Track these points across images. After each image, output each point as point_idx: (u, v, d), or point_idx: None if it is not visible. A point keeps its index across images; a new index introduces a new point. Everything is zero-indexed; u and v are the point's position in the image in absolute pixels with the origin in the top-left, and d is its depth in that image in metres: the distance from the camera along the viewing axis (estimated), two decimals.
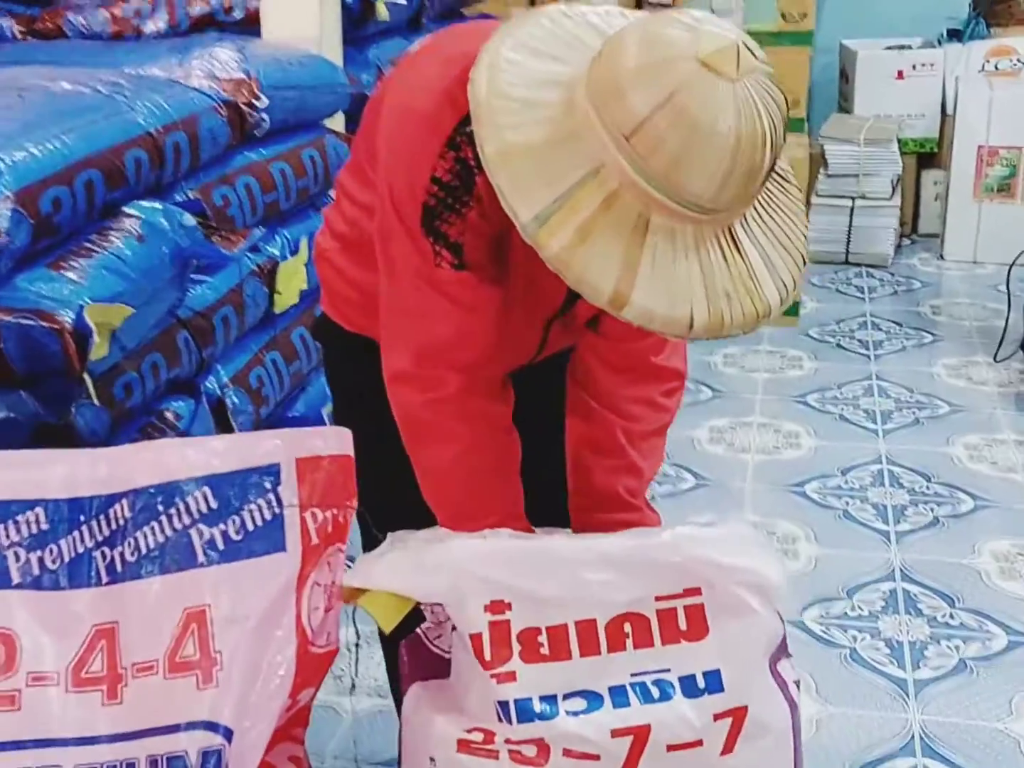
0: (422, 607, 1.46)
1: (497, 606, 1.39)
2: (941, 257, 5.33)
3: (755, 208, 1.34)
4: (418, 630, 1.51)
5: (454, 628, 1.44)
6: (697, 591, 1.43)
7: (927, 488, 3.29)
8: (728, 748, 1.39)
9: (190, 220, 2.35)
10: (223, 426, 2.51)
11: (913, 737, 2.30)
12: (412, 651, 1.50)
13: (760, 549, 1.50)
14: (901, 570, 2.88)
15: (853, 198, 5.19)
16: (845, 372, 4.07)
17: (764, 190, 1.33)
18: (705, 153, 1.22)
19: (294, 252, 2.81)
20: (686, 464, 3.39)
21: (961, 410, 3.78)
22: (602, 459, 1.66)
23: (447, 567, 1.41)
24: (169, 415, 2.36)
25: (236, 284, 2.57)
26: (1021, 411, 3.76)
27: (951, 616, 2.70)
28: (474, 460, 1.56)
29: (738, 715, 1.39)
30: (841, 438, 3.60)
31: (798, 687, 1.50)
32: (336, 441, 1.45)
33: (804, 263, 1.39)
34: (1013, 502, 3.21)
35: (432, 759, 1.40)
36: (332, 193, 2.88)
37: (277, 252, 2.76)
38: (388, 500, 1.59)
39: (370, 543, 1.66)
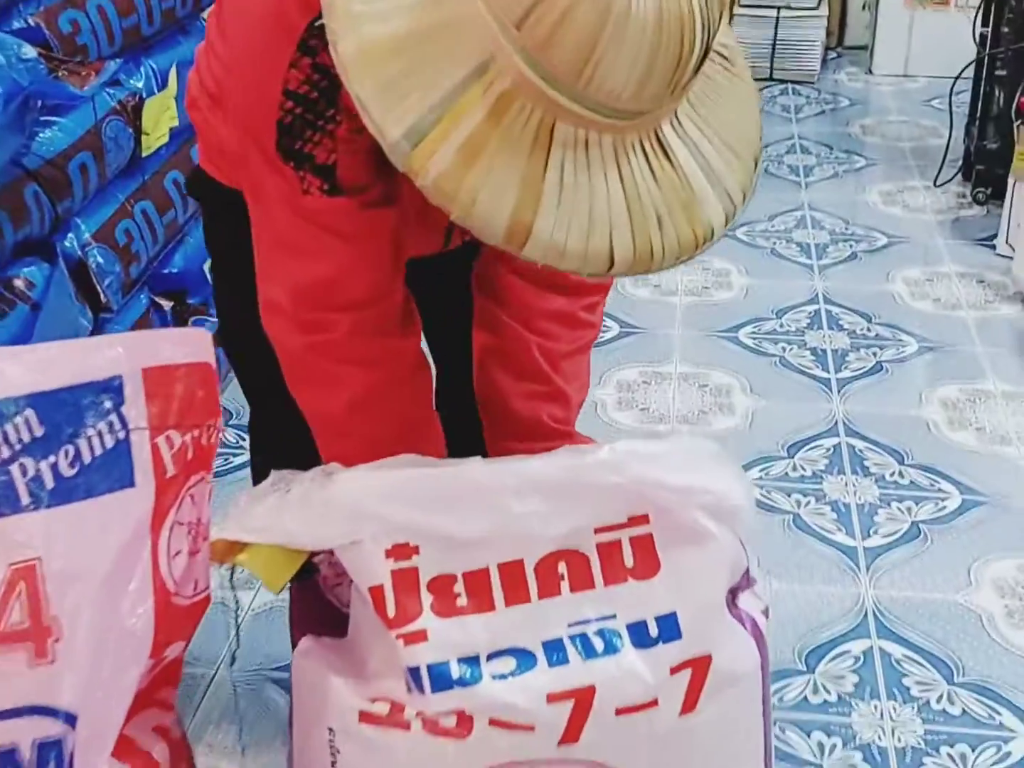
0: (316, 560, 1.19)
1: (401, 550, 1.12)
2: (870, 71, 5.05)
3: (689, 102, 1.05)
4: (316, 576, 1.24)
5: (351, 581, 1.16)
6: (644, 519, 1.16)
7: (868, 330, 3.06)
8: (689, 706, 1.14)
9: (30, 52, 1.98)
10: (86, 291, 2.19)
11: (866, 615, 2.11)
12: (302, 598, 1.23)
13: (717, 464, 1.23)
14: (845, 423, 2.67)
15: (778, 8, 4.87)
16: (775, 202, 3.79)
17: (700, 77, 1.03)
18: (619, 39, 0.92)
19: (162, 86, 2.44)
20: (609, 311, 3.11)
21: (900, 241, 3.54)
22: (519, 383, 1.40)
23: (337, 506, 1.13)
24: (19, 283, 2.03)
25: (93, 125, 2.21)
26: (961, 240, 3.53)
27: (900, 475, 2.50)
28: (374, 408, 1.29)
29: (699, 665, 1.14)
30: (774, 276, 3.35)
31: (767, 616, 1.26)
32: (194, 345, 1.15)
33: (756, 165, 1.12)
34: (959, 342, 3.00)
35: (330, 729, 1.14)
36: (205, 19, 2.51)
37: (141, 86, 2.39)
38: (272, 406, 1.32)
39: (257, 476, 1.43)
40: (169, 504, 1.14)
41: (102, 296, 2.22)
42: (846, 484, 2.47)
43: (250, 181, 1.23)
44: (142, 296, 2.44)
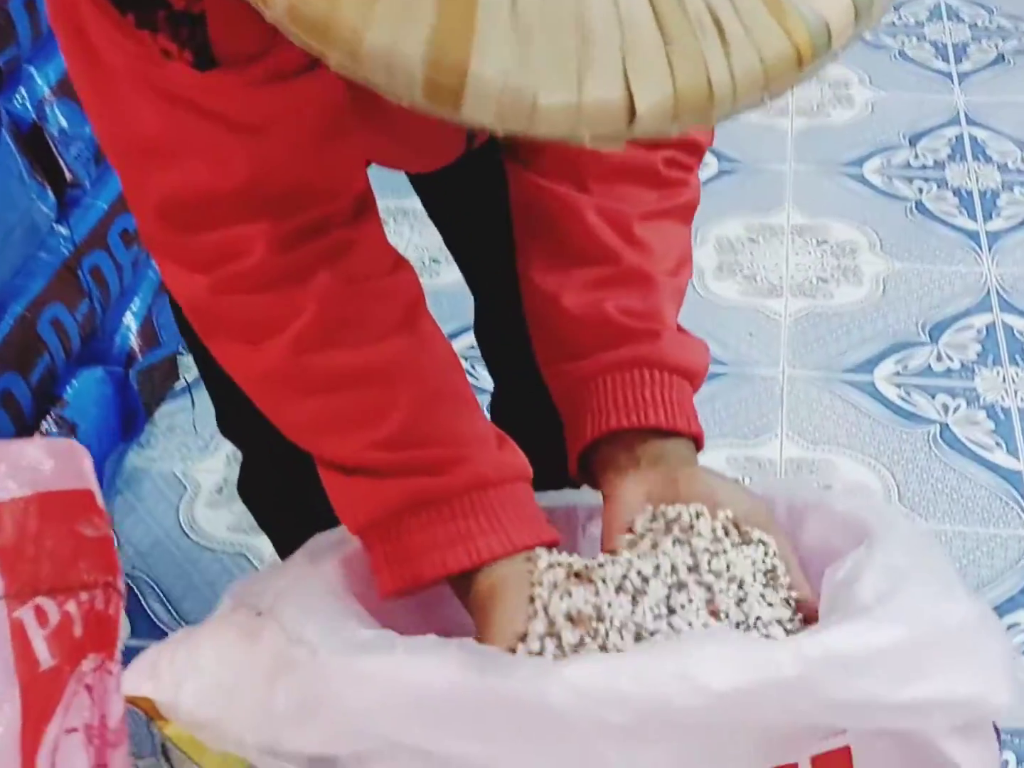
0: None
1: None
2: None
3: None
4: None
5: None
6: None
7: (989, 22, 3.02)
8: None
9: None
10: (44, 162, 1.75)
11: (989, 291, 2.18)
12: None
13: (966, 642, 0.72)
14: (966, 114, 2.67)
15: None
16: None
17: None
18: None
19: None
20: None
21: None
22: (572, 271, 0.92)
23: (323, 710, 0.70)
24: None
25: None
26: None
27: (1022, 161, 2.52)
28: (329, 358, 0.83)
29: None
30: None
31: None
32: (65, 460, 0.81)
33: None
34: None
35: None
36: None
37: None
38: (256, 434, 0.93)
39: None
40: (49, 707, 0.77)
41: (66, 171, 1.78)
42: (968, 171, 2.50)
43: (84, 51, 0.76)
44: None
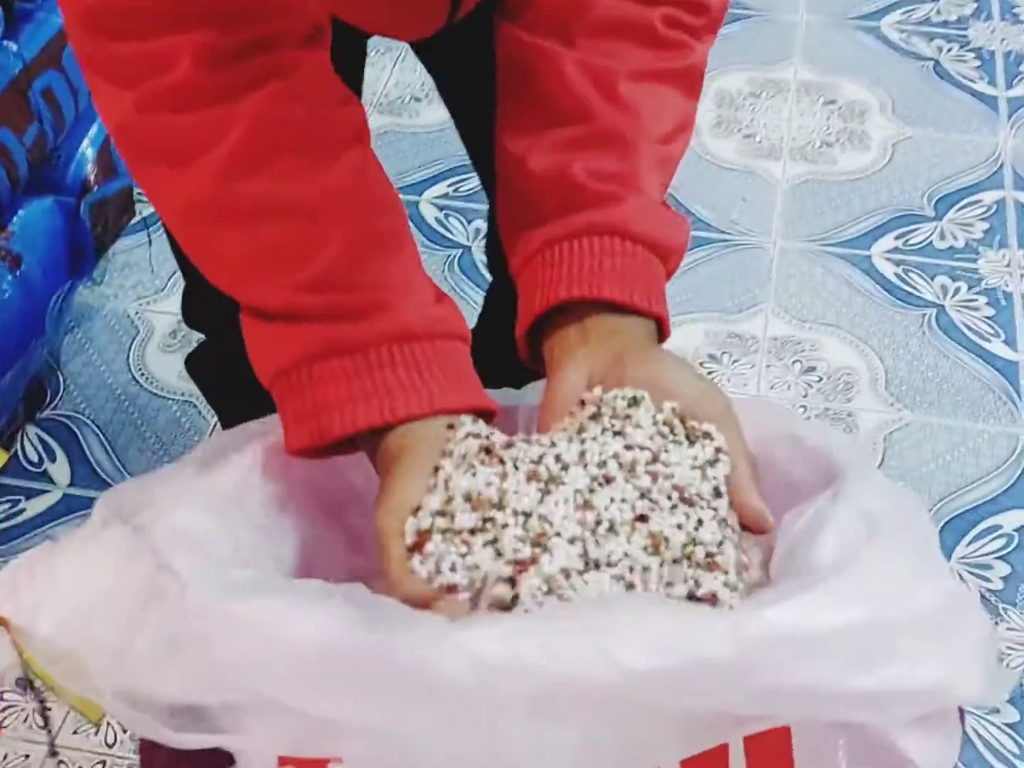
0: None
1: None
2: None
3: None
4: None
5: None
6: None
7: None
8: None
9: None
10: None
11: (1002, 166, 2.05)
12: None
13: (935, 622, 0.61)
14: None
15: None
16: None
17: None
18: None
19: None
20: None
21: None
22: (543, 132, 0.83)
23: (189, 654, 0.60)
24: None
25: None
26: None
27: None
28: (260, 184, 0.74)
29: None
30: None
31: None
32: None
33: None
34: None
35: None
36: None
37: None
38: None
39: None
40: None
41: None
42: (992, 31, 2.34)
43: None
44: None
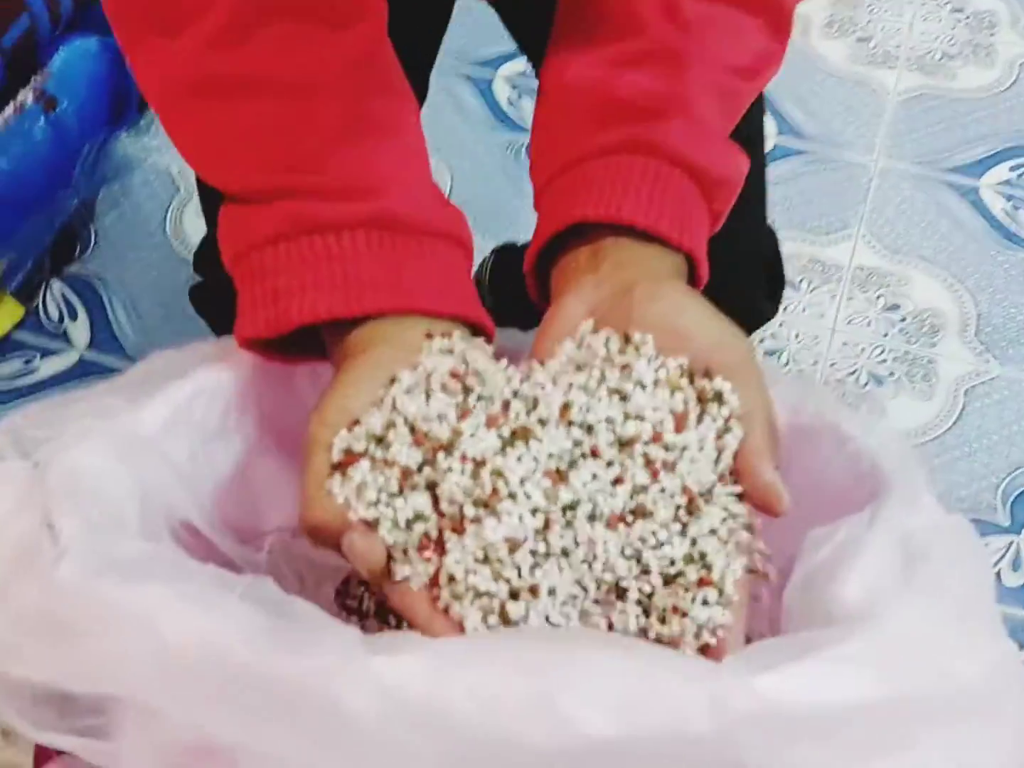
0: None
1: None
2: None
3: None
4: None
5: None
6: None
7: None
8: None
9: None
10: None
11: None
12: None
13: (975, 702, 0.49)
14: None
15: None
16: None
17: None
18: None
19: None
20: None
21: None
22: (591, 45, 0.72)
23: (59, 635, 0.49)
24: None
25: None
26: None
27: None
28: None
29: None
30: None
31: None
32: None
33: None
34: None
35: None
36: None
37: None
38: None
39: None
40: None
41: None
42: None
43: None
44: None
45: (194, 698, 0.47)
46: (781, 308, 1.00)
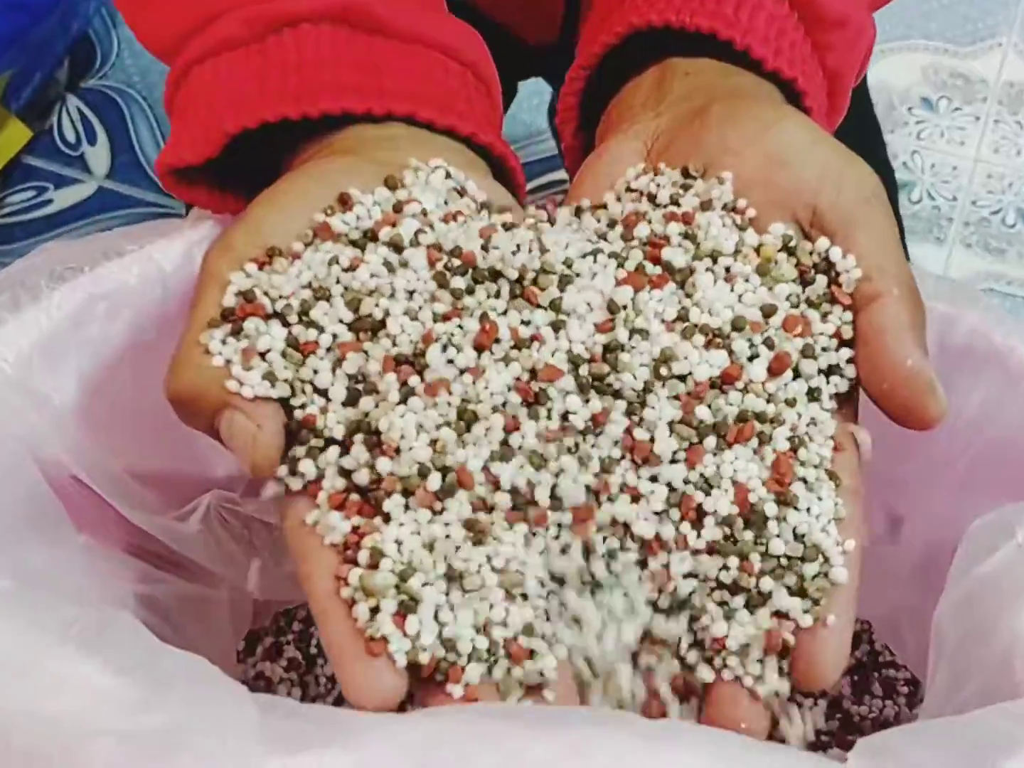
0: None
1: None
2: None
3: None
4: None
5: None
6: None
7: None
8: None
9: None
10: None
11: None
12: None
13: None
14: None
15: None
16: None
17: None
18: None
19: None
20: None
21: None
22: None
23: None
24: None
25: None
26: None
27: None
28: None
29: None
30: None
31: None
32: None
33: None
34: None
35: None
36: None
37: None
38: None
39: None
40: None
41: None
42: None
43: None
44: None
45: None
46: (914, 133, 0.77)
